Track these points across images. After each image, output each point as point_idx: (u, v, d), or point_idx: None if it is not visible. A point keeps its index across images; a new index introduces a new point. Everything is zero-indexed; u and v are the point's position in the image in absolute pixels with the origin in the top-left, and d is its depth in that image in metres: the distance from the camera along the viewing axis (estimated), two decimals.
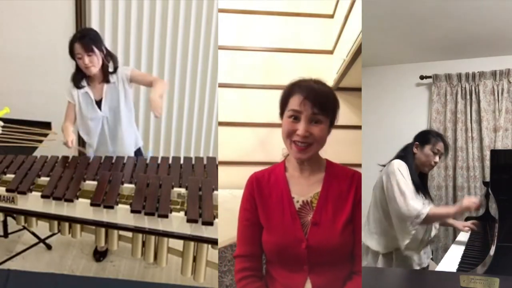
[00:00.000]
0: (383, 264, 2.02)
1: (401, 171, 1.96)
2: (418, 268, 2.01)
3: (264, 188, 1.21)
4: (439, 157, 2.10)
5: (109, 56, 2.15)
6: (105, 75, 2.15)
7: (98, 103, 2.18)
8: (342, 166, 1.22)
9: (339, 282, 1.13)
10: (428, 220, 1.89)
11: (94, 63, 2.08)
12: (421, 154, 2.08)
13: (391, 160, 2.09)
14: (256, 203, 1.20)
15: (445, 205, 2.25)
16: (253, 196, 1.21)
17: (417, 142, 2.10)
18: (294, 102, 1.13)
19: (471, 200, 1.96)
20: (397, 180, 1.93)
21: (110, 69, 2.15)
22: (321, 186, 1.17)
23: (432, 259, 2.82)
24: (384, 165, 2.11)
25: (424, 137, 2.11)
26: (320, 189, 1.17)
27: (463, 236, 2.36)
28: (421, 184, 2.05)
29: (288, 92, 1.16)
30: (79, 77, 2.15)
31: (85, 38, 2.06)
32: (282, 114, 1.18)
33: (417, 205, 1.88)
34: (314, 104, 1.11)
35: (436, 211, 1.92)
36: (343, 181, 1.17)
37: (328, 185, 1.17)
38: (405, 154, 2.09)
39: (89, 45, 2.05)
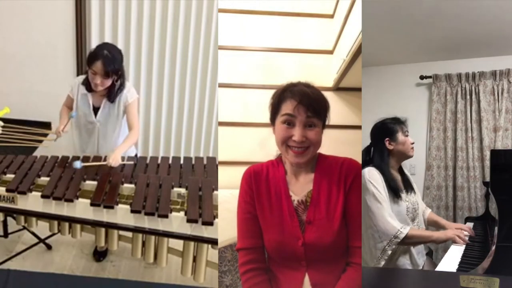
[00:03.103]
0: None
1: (372, 183, 1.83)
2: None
3: (262, 183, 1.22)
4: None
5: (120, 79, 2.13)
6: (109, 94, 2.14)
7: (95, 109, 2.19)
8: (333, 157, 1.21)
9: (337, 276, 1.14)
10: (407, 241, 1.78)
11: (104, 85, 2.07)
12: (397, 145, 1.94)
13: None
14: (254, 196, 1.21)
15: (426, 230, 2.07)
16: (251, 189, 1.21)
17: (387, 138, 1.95)
18: (287, 107, 1.14)
19: (459, 230, 1.89)
20: (371, 194, 1.80)
21: (116, 90, 2.13)
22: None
23: (432, 256, 2.80)
24: None
25: (388, 129, 1.97)
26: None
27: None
28: (401, 181, 1.98)
29: (280, 97, 1.17)
30: (88, 83, 2.14)
31: (109, 60, 2.01)
32: (273, 120, 1.19)
33: (396, 223, 1.76)
34: (307, 108, 1.12)
35: (416, 233, 1.80)
36: (333, 174, 1.17)
37: (319, 182, 1.17)
38: (372, 158, 1.97)
39: (109, 69, 2.01)
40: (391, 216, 1.79)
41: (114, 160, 1.96)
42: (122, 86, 2.15)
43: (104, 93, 2.15)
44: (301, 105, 1.12)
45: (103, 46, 2.09)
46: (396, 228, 1.75)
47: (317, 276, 1.14)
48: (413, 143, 1.98)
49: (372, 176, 1.85)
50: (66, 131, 2.15)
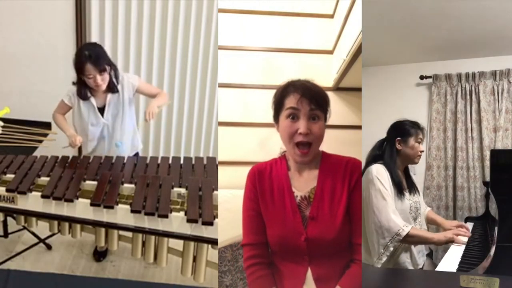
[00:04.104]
0: None
1: (380, 179, 1.84)
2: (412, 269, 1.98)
3: (265, 180, 1.25)
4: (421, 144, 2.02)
5: (112, 68, 2.14)
6: (111, 86, 2.14)
7: (101, 110, 2.19)
8: (337, 156, 1.24)
9: (339, 271, 1.17)
10: (408, 240, 1.79)
11: (105, 80, 2.07)
12: (406, 148, 1.97)
13: (367, 163, 1.98)
14: (257, 193, 1.24)
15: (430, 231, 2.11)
16: (255, 187, 1.25)
17: (399, 138, 1.98)
18: (291, 101, 1.17)
19: (458, 230, 1.92)
20: (377, 190, 1.82)
21: (114, 79, 2.15)
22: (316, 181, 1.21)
23: (432, 257, 2.80)
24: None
25: (403, 131, 1.99)
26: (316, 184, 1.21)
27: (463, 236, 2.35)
28: (405, 181, 1.99)
29: (283, 93, 1.20)
30: (85, 90, 2.14)
31: (97, 58, 2.01)
32: (277, 116, 1.22)
33: (399, 220, 1.78)
34: (310, 101, 1.15)
35: (417, 233, 1.81)
36: (337, 172, 1.20)
37: (323, 179, 1.20)
38: (382, 153, 1.99)
39: (102, 65, 2.02)
40: (394, 213, 1.81)
41: (151, 112, 2.08)
42: (116, 73, 2.16)
43: (105, 90, 2.15)
44: (304, 97, 1.15)
45: (80, 50, 2.08)
46: (399, 226, 1.77)
47: (320, 270, 1.17)
48: (422, 151, 2.02)
49: (379, 173, 1.87)
50: (80, 139, 2.15)
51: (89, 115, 2.18)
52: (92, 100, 2.17)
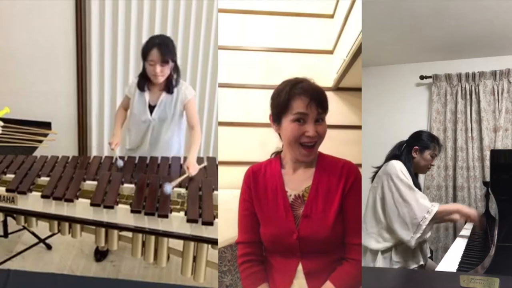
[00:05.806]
0: (381, 262, 2.02)
1: (403, 172, 1.97)
2: (415, 265, 1.99)
3: (260, 181, 1.27)
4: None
5: (176, 68, 2.12)
6: (168, 85, 2.11)
7: (151, 108, 2.16)
8: (333, 158, 1.25)
9: (330, 267, 1.19)
10: (438, 217, 1.91)
11: (164, 73, 2.05)
12: (420, 158, 2.10)
13: (386, 161, 2.09)
14: (252, 194, 1.26)
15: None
16: (249, 188, 1.27)
17: (416, 147, 2.10)
18: (299, 105, 1.15)
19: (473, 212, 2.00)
20: (403, 182, 1.94)
21: (173, 80, 2.12)
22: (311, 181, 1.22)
23: (432, 258, 2.81)
24: (378, 167, 2.10)
25: (422, 142, 2.11)
26: (311, 183, 1.21)
27: (463, 236, 2.36)
28: (416, 184, 2.06)
29: (289, 95, 1.17)
30: (144, 80, 2.13)
31: (164, 47, 2.01)
32: (279, 117, 1.20)
33: (427, 202, 1.91)
34: (318, 105, 1.16)
35: (444, 208, 1.95)
36: (333, 173, 1.21)
37: (318, 179, 1.21)
38: (401, 154, 2.10)
39: (166, 56, 2.01)
40: (423, 197, 1.93)
41: (194, 168, 1.90)
42: (178, 78, 2.14)
43: (161, 88, 2.12)
44: (313, 102, 1.15)
45: (154, 37, 2.10)
46: (428, 207, 1.89)
47: (311, 265, 1.19)
48: (432, 165, 2.16)
49: (401, 167, 1.99)
50: (118, 146, 2.11)
51: (139, 109, 2.17)
52: (146, 94, 2.14)
